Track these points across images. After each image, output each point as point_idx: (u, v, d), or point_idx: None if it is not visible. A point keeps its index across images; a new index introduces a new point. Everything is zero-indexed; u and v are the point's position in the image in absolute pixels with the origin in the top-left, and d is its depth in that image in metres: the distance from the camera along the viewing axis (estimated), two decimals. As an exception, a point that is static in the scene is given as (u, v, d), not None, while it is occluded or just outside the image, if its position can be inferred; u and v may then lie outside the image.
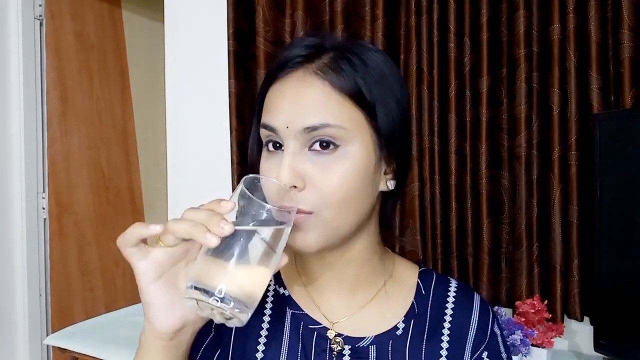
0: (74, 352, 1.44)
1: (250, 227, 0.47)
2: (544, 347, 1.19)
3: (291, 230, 0.50)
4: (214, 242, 0.45)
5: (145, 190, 2.75)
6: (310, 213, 0.52)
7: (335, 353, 0.59)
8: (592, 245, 1.15)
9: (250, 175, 0.52)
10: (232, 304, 0.45)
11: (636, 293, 1.06)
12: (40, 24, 2.26)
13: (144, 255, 0.49)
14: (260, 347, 0.60)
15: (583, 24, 1.24)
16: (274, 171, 0.53)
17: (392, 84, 0.56)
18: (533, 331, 1.19)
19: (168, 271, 0.50)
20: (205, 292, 0.45)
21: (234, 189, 1.82)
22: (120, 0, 2.64)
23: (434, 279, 0.65)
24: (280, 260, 0.49)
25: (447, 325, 0.61)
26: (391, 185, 0.59)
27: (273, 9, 1.58)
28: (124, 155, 2.66)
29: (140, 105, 2.73)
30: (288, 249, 0.52)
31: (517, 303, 1.26)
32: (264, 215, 0.47)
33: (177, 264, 0.50)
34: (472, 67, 1.37)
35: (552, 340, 1.20)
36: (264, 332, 0.61)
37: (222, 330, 0.62)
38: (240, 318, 0.46)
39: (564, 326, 1.24)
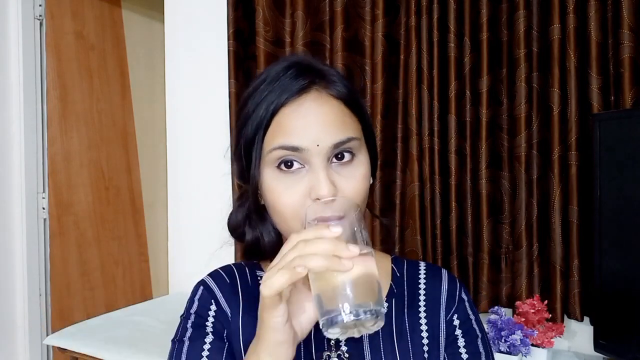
0: (74, 352, 1.44)
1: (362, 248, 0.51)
2: (544, 347, 1.19)
3: None
4: (350, 265, 0.48)
5: (145, 190, 2.75)
6: (342, 217, 0.57)
7: (333, 341, 0.64)
8: (592, 245, 1.15)
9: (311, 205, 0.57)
10: (379, 308, 0.49)
11: (636, 293, 1.05)
12: (40, 24, 2.26)
13: (280, 299, 0.50)
14: None
15: (583, 24, 1.24)
16: (292, 190, 0.59)
17: (358, 92, 0.67)
18: (533, 331, 1.19)
19: (289, 315, 0.52)
20: (360, 312, 0.48)
21: (233, 190, 1.81)
22: (120, 0, 2.64)
23: (405, 264, 0.74)
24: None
25: (422, 298, 0.70)
26: (371, 180, 0.66)
27: (273, 9, 1.58)
28: (124, 155, 2.66)
29: (140, 105, 2.73)
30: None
31: (517, 303, 1.26)
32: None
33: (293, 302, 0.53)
34: (472, 67, 1.37)
35: (552, 340, 1.20)
36: None
37: (231, 337, 0.65)
38: (382, 315, 0.49)
39: (564, 326, 1.24)
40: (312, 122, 0.58)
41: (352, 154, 0.60)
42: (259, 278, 0.70)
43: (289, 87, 0.60)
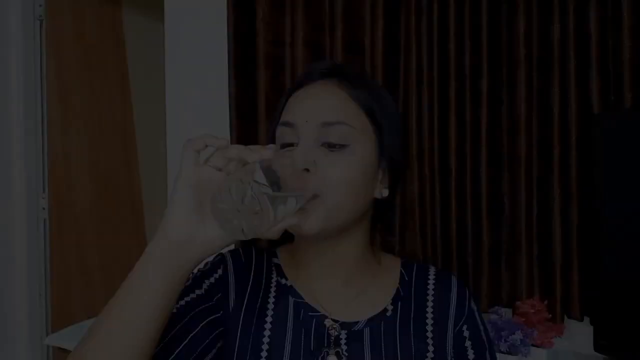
0: (74, 352, 1.44)
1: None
2: (544, 347, 1.19)
3: (296, 212, 0.55)
4: (255, 156, 0.52)
5: (145, 190, 2.75)
6: (316, 196, 0.59)
7: (333, 338, 0.65)
8: (592, 246, 1.15)
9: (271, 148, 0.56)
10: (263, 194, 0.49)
11: (636, 293, 1.06)
12: (40, 24, 2.26)
13: (195, 164, 0.53)
14: (267, 332, 0.65)
15: (583, 24, 1.24)
16: (284, 164, 0.58)
17: (395, 115, 0.70)
18: (533, 331, 1.19)
19: (201, 192, 0.53)
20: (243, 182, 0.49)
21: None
22: (121, 0, 2.64)
23: (415, 268, 0.74)
24: (287, 219, 0.54)
25: (430, 304, 0.69)
26: (385, 193, 0.67)
27: (273, 9, 1.58)
28: (124, 155, 2.65)
29: (140, 105, 2.73)
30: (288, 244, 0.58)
31: (517, 303, 1.26)
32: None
33: (207, 195, 0.53)
34: (472, 67, 1.37)
35: (552, 340, 1.20)
36: (269, 319, 0.66)
37: (228, 318, 0.65)
38: (266, 214, 0.49)
39: (564, 326, 1.24)
40: (308, 102, 0.64)
41: (345, 144, 0.61)
42: (273, 267, 0.72)
43: (305, 74, 0.68)
